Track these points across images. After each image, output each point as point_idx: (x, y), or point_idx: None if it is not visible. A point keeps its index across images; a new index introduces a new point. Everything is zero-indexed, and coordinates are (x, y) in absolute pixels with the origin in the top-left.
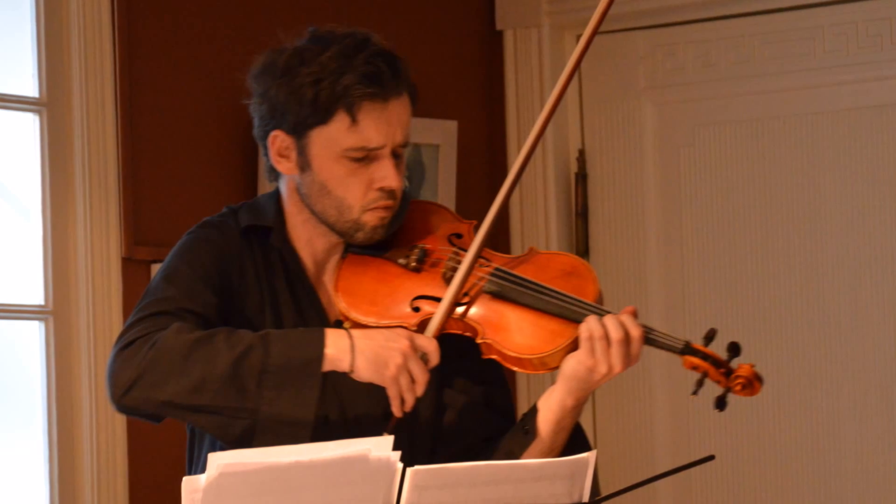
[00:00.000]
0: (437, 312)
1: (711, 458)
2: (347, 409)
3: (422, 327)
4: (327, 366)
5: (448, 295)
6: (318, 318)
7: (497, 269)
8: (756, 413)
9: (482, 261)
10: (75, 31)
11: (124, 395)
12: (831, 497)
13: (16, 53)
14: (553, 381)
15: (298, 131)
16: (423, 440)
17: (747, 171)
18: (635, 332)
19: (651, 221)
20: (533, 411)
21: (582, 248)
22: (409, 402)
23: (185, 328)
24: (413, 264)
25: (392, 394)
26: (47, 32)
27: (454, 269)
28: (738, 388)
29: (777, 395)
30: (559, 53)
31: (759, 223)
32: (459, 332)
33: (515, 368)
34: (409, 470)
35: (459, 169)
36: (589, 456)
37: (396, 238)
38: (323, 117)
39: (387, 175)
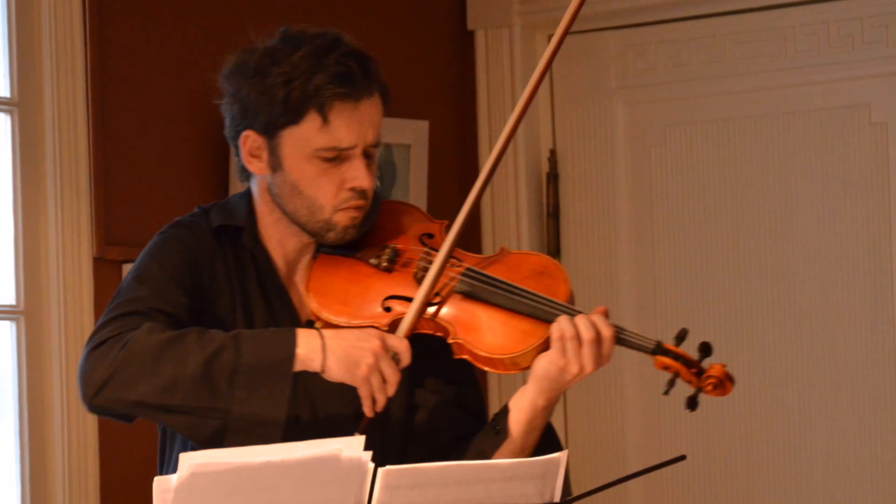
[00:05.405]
0: (409, 312)
1: (683, 458)
2: (319, 409)
3: (393, 327)
4: (298, 366)
5: (419, 295)
6: (289, 318)
7: (468, 269)
8: (727, 413)
9: (453, 261)
10: (46, 30)
11: (95, 395)
12: (802, 496)
13: None
14: (525, 381)
15: (270, 131)
16: (394, 440)
17: (718, 170)
18: (606, 332)
19: (622, 221)
20: (504, 411)
21: (553, 247)
22: (381, 402)
23: (156, 328)
24: (384, 264)
25: (363, 394)
26: (18, 32)
27: (425, 269)
28: (710, 388)
29: (748, 395)
30: (530, 53)
31: (730, 223)
32: (431, 332)
33: (487, 368)
34: (380, 470)
35: (431, 169)
36: (560, 456)
37: (368, 238)
38: (294, 117)
39: (358, 175)
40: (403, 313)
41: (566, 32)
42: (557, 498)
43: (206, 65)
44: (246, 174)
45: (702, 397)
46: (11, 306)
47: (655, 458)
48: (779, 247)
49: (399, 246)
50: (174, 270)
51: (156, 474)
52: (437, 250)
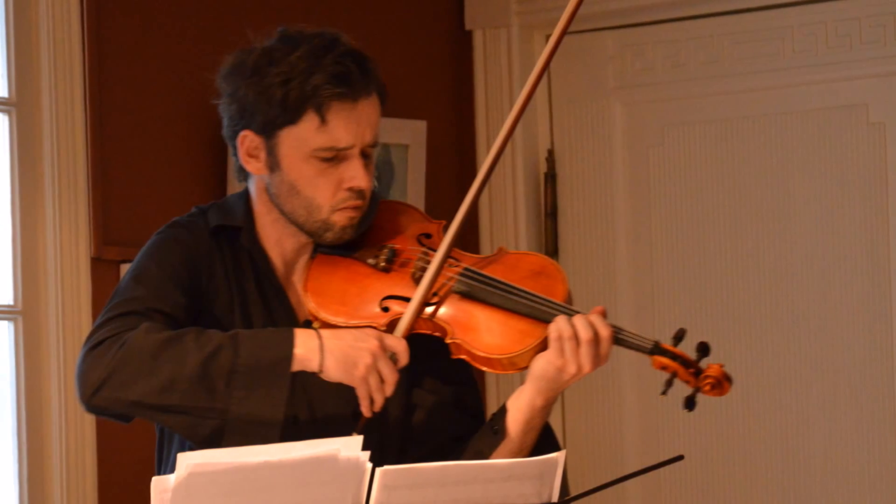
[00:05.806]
0: (407, 312)
1: (680, 458)
2: (316, 409)
3: (391, 327)
4: (296, 366)
5: (417, 295)
6: (287, 318)
7: (466, 269)
8: (725, 413)
9: (451, 261)
10: (44, 30)
11: (94, 395)
12: (800, 496)
13: None
14: (522, 381)
15: (268, 131)
16: (392, 440)
17: (716, 171)
18: (604, 332)
19: (620, 221)
20: (502, 411)
21: (551, 247)
22: (379, 403)
23: (154, 328)
24: (382, 264)
25: (361, 394)
26: (16, 32)
27: (423, 269)
28: (708, 388)
29: (746, 395)
30: (528, 53)
31: (728, 223)
32: (429, 332)
33: (485, 368)
34: (378, 470)
35: (429, 169)
36: (558, 456)
37: (366, 238)
38: (292, 117)
39: (356, 175)
40: (401, 313)
41: (564, 32)
42: (555, 498)
43: (204, 65)
44: (244, 174)
45: (700, 397)
46: (9, 306)
47: (653, 458)
48: (777, 247)
49: (397, 246)
50: (172, 270)
51: (154, 474)
52: (434, 250)
